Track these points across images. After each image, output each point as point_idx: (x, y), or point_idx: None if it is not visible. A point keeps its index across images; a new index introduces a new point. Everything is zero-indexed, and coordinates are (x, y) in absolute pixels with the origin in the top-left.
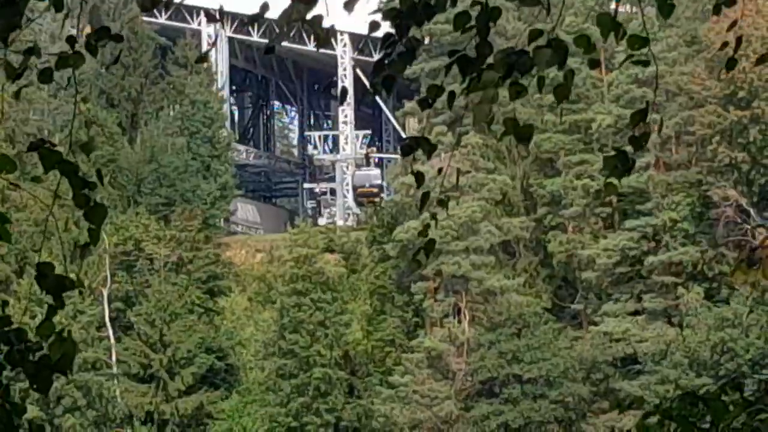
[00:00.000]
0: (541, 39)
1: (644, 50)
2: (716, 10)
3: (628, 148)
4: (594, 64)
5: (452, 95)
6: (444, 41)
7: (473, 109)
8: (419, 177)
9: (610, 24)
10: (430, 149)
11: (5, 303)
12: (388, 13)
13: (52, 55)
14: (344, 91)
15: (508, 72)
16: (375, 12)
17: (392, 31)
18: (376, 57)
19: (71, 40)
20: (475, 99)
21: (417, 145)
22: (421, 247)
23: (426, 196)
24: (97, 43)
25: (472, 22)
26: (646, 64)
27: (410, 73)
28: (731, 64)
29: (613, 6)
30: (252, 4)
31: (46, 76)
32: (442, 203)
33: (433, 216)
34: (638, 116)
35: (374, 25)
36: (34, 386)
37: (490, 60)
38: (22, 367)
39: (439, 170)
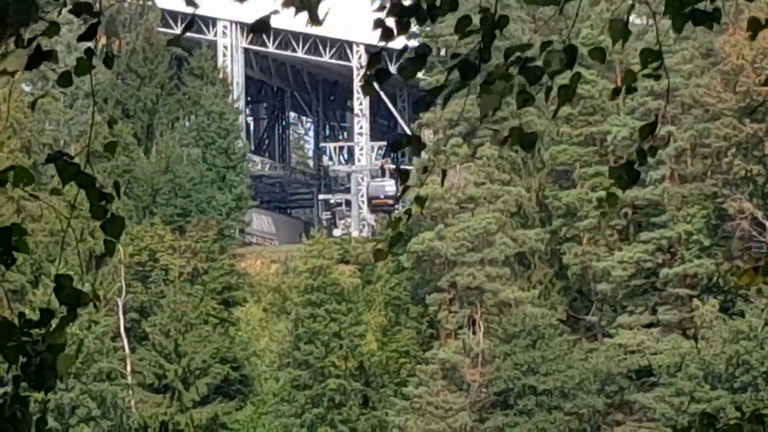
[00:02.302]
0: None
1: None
2: (753, 35)
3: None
4: (616, 93)
5: (448, 97)
6: (460, 53)
7: (481, 99)
8: (403, 175)
9: (621, 31)
10: (419, 147)
11: (22, 314)
12: (393, 10)
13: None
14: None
15: (508, 66)
16: (378, 9)
17: (392, 26)
18: (392, 67)
19: (89, 52)
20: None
21: (408, 143)
22: (386, 240)
23: (406, 189)
24: (77, 17)
25: (473, 27)
26: (657, 77)
27: (425, 84)
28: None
29: (637, 20)
30: (266, 14)
31: (65, 80)
32: (419, 200)
33: (407, 212)
34: (647, 129)
35: (379, 23)
36: (33, 384)
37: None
38: (29, 375)
39: (425, 169)
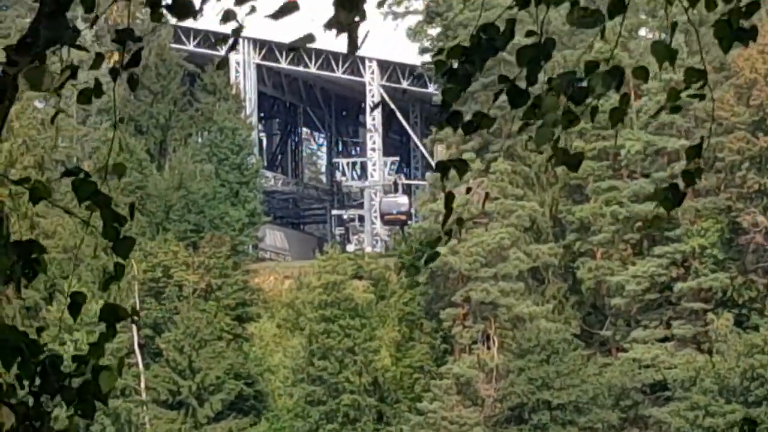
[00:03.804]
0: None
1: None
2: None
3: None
4: (676, 109)
5: (489, 119)
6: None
7: (536, 132)
8: (449, 197)
9: (665, 52)
10: (463, 170)
11: (41, 329)
12: (454, 53)
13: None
14: (379, 103)
15: (572, 95)
16: (438, 52)
17: (456, 66)
18: (405, 82)
19: (114, 72)
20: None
21: (453, 166)
22: (422, 256)
23: (449, 212)
24: (122, 44)
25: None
26: (702, 97)
27: (438, 99)
28: None
29: (649, 35)
30: (279, 30)
31: (85, 97)
32: (460, 222)
33: (449, 233)
34: (693, 152)
35: (441, 65)
36: (78, 412)
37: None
38: (60, 394)
39: (468, 189)
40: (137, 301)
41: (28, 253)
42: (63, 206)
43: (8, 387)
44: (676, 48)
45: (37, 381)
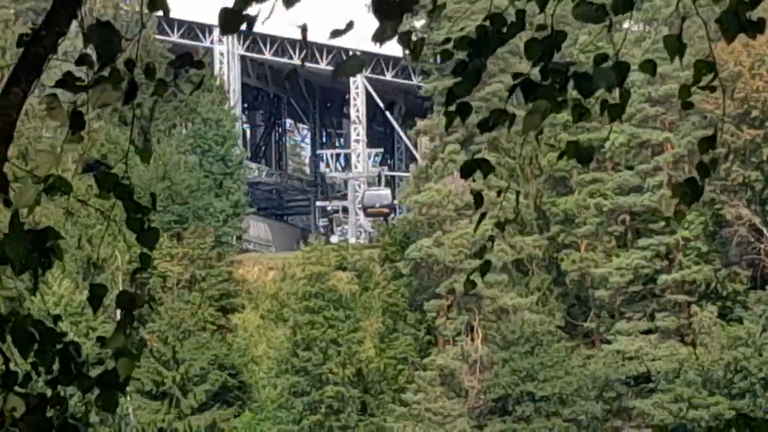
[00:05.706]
0: (606, 63)
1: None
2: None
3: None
4: (688, 105)
5: (507, 115)
6: (457, 60)
7: (524, 117)
8: (479, 198)
9: (676, 45)
10: (488, 170)
11: (58, 317)
12: (461, 43)
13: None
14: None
15: (563, 85)
16: (444, 42)
17: (465, 59)
18: (389, 74)
19: (130, 64)
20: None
21: (477, 166)
22: (475, 269)
23: (483, 216)
24: (179, 69)
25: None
26: (713, 89)
27: (423, 91)
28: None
29: (633, 27)
30: (264, 23)
31: (119, 92)
32: (500, 225)
33: (491, 238)
34: (706, 144)
35: (447, 54)
36: (99, 404)
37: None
38: (77, 383)
39: (498, 192)
40: None
41: (43, 241)
42: (79, 198)
43: (24, 375)
44: (686, 44)
45: (56, 370)
